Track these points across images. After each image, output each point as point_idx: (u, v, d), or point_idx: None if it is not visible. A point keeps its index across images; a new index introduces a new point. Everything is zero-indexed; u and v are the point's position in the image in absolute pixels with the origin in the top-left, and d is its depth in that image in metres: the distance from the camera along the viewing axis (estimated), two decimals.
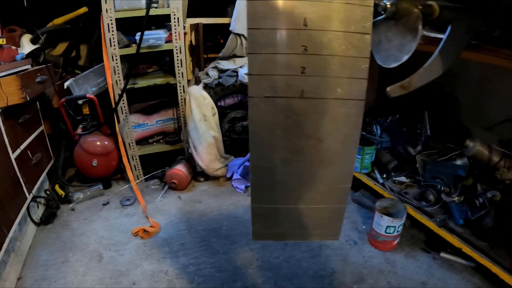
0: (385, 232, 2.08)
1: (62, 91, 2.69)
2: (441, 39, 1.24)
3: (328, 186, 0.97)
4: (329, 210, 1.02)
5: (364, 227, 2.34)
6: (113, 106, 2.60)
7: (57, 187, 2.70)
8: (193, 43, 2.89)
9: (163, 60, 2.90)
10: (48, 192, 2.55)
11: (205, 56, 3.07)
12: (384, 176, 2.43)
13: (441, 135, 2.38)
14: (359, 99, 0.87)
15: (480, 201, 1.96)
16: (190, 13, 2.93)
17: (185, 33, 2.65)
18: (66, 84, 2.63)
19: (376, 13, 1.06)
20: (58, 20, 2.87)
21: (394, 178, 2.38)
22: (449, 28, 1.19)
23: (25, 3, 2.59)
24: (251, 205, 1.04)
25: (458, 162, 2.22)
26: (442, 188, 2.11)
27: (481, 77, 2.46)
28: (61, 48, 3.24)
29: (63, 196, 2.68)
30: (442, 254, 2.08)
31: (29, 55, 2.50)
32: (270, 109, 0.88)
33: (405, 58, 0.83)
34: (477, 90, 2.51)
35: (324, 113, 0.88)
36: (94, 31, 3.16)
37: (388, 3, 0.84)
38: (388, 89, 0.99)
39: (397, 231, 2.09)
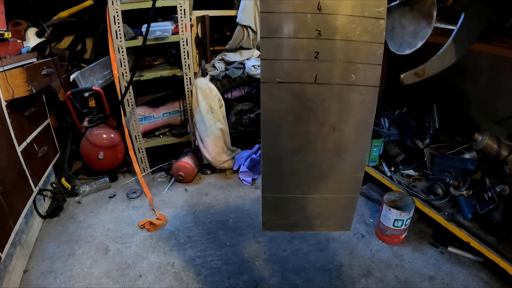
0: (393, 225, 2.06)
1: (68, 84, 2.69)
2: (452, 30, 1.22)
3: (341, 175, 0.95)
4: (341, 200, 1.00)
5: (371, 220, 2.32)
6: (120, 98, 2.58)
7: (63, 180, 2.70)
8: (200, 35, 2.86)
9: (169, 53, 2.88)
10: (54, 185, 2.55)
11: (211, 48, 3.05)
12: (392, 169, 2.40)
13: (450, 128, 2.35)
14: (374, 85, 0.85)
15: (489, 195, 1.94)
16: (196, 5, 2.91)
17: (191, 25, 2.63)
18: (72, 77, 2.62)
19: None
20: (64, 13, 2.85)
21: (402, 171, 2.36)
22: (462, 16, 1.17)
23: None
24: (262, 195, 1.02)
25: (467, 155, 2.20)
26: (451, 182, 2.08)
27: (490, 70, 2.43)
28: (67, 41, 3.24)
29: (69, 189, 2.68)
30: (450, 249, 2.07)
31: (34, 48, 2.50)
32: (283, 94, 0.86)
33: (420, 44, 0.81)
34: (486, 83, 2.48)
35: (338, 99, 0.86)
36: (100, 24, 3.15)
37: None
38: (402, 76, 0.97)
39: (405, 225, 2.08)
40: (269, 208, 1.04)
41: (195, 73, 2.83)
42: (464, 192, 2.02)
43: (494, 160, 2.04)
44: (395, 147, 2.46)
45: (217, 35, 3.15)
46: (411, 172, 2.34)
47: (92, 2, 2.83)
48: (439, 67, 1.08)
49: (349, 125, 0.90)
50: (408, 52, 0.84)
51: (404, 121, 2.48)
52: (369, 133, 0.90)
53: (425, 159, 2.28)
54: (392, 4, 0.87)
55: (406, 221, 2.06)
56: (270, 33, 0.81)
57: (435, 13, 0.83)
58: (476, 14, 1.17)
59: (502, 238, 1.86)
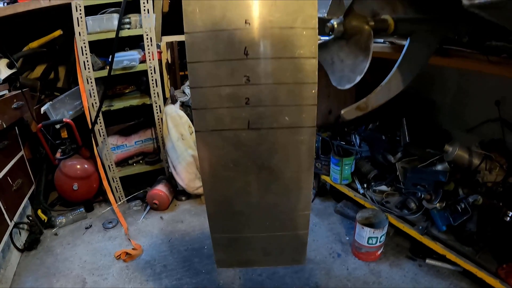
0: (367, 243, 2.06)
1: (40, 115, 2.66)
2: None
3: (287, 214, 0.94)
4: (291, 237, 0.99)
5: (347, 238, 2.31)
6: (90, 127, 2.56)
7: (39, 212, 2.67)
8: (169, 61, 2.86)
9: (140, 80, 2.87)
10: (30, 218, 2.52)
11: (181, 73, 3.05)
12: (365, 186, 2.40)
13: (421, 141, 2.36)
14: (310, 126, 0.84)
15: (462, 206, 1.92)
16: (165, 31, 2.91)
17: (160, 52, 2.63)
18: (43, 109, 2.61)
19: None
20: (34, 44, 2.84)
21: (374, 188, 2.35)
22: (407, 42, 1.15)
23: None
24: (211, 235, 1.01)
25: (439, 167, 2.20)
26: (423, 196, 2.08)
27: (458, 79, 2.46)
28: (39, 70, 3.22)
29: (45, 221, 2.64)
30: (428, 261, 2.06)
31: (6, 80, 2.48)
32: (218, 142, 0.85)
33: (358, 79, 0.80)
34: (455, 92, 2.51)
35: (273, 142, 0.85)
36: (71, 53, 3.13)
37: (335, 22, 0.81)
38: (342, 112, 0.96)
39: (380, 241, 2.07)
40: (220, 247, 1.03)
41: (167, 98, 2.83)
42: (437, 205, 2.02)
43: (467, 170, 2.04)
44: (367, 164, 2.46)
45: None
46: (383, 187, 2.34)
47: (62, 32, 2.82)
48: (385, 97, 1.06)
49: (289, 166, 0.89)
50: (348, 87, 0.84)
51: (375, 137, 2.49)
52: (311, 172, 0.89)
53: (398, 173, 2.28)
54: (328, 38, 0.86)
55: (380, 238, 2.05)
56: (198, 83, 0.80)
57: (372, 46, 0.82)
58: (423, 38, 1.16)
59: (478, 248, 1.85)
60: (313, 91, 0.83)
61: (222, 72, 0.80)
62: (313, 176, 0.90)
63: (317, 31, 0.79)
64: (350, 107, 0.98)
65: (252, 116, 0.82)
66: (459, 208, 1.93)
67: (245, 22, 0.77)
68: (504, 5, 0.67)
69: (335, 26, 0.76)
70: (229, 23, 0.77)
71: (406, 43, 1.18)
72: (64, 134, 2.73)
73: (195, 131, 0.84)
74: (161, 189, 2.76)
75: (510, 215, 1.76)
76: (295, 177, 0.90)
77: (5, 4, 2.69)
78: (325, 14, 1.20)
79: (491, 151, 1.98)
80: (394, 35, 1.03)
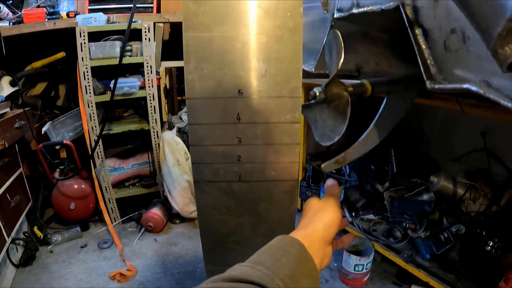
0: (354, 270, 2.18)
1: (40, 134, 2.79)
2: None
3: None
4: None
5: (335, 264, 2.44)
6: (89, 152, 2.69)
7: (35, 228, 2.77)
8: (167, 86, 3.01)
9: (138, 104, 3.02)
10: (27, 234, 2.62)
11: (179, 98, 3.19)
12: (353, 214, 2.54)
13: (408, 170, 2.50)
14: (293, 179, 1.00)
15: (445, 236, 2.04)
16: (164, 56, 3.06)
17: (159, 78, 2.78)
18: (43, 129, 2.73)
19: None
20: (37, 64, 2.98)
21: (362, 216, 2.49)
22: (385, 100, 1.30)
23: (3, 50, 2.70)
24: (205, 266, 1.14)
25: (425, 196, 2.33)
26: (407, 226, 2.22)
27: (446, 110, 2.58)
28: (40, 87, 3.34)
29: (41, 238, 2.74)
30: (413, 287, 2.17)
31: (8, 97, 2.60)
32: (213, 191, 1.00)
33: (337, 138, 0.92)
34: (444, 122, 2.62)
35: (261, 192, 1.01)
36: (72, 72, 3.27)
37: (317, 91, 0.92)
38: (322, 166, 1.10)
39: (366, 268, 2.20)
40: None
41: (164, 122, 2.97)
42: (421, 234, 2.15)
43: (451, 200, 2.14)
44: (355, 193, 2.61)
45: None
46: (371, 216, 2.48)
47: (65, 55, 2.96)
48: (361, 152, 1.20)
49: (275, 212, 1.04)
50: (328, 144, 0.97)
51: (363, 167, 2.63)
52: (293, 217, 1.04)
53: (385, 202, 2.42)
54: (312, 101, 0.99)
55: (366, 265, 2.18)
56: (197, 142, 0.96)
57: (349, 111, 0.90)
58: (400, 96, 1.30)
59: (460, 275, 1.97)
60: (297, 150, 0.98)
61: (218, 133, 0.95)
62: (295, 217, 1.04)
63: (301, 99, 0.94)
64: (330, 161, 1.12)
65: (243, 171, 0.98)
66: (442, 238, 2.05)
67: (238, 92, 0.92)
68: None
69: (317, 94, 0.89)
70: (224, 92, 0.92)
71: (383, 101, 1.33)
72: (63, 154, 2.85)
73: (194, 182, 0.99)
74: (156, 212, 2.88)
75: (490, 244, 1.86)
76: (280, 220, 1.05)
77: (11, 24, 2.85)
78: (313, 68, 1.36)
79: (476, 181, 2.08)
80: (372, 95, 1.14)
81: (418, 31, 0.83)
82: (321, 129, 1.00)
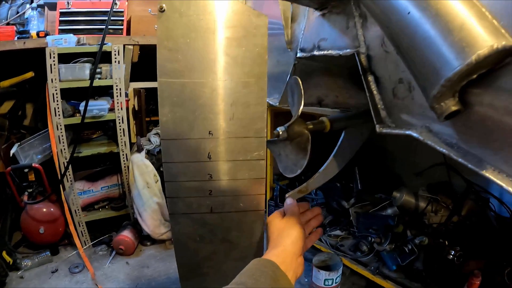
0: (324, 284, 2.31)
1: (8, 155, 2.80)
2: None
3: None
4: None
5: (306, 280, 2.57)
6: (59, 176, 2.72)
7: (4, 253, 2.75)
8: (136, 108, 3.07)
9: (107, 125, 3.07)
10: None
11: (147, 119, 3.26)
12: None
13: (373, 187, 2.67)
14: (260, 209, 1.12)
15: (409, 247, 2.20)
16: (133, 77, 3.12)
17: (127, 100, 2.86)
18: (12, 151, 2.75)
19: None
20: (5, 83, 2.98)
21: (329, 233, 2.64)
22: (343, 134, 1.43)
23: None
24: None
25: (389, 211, 2.50)
26: (373, 240, 2.38)
27: None
28: (7, 106, 3.30)
29: (11, 263, 2.73)
30: None
31: None
32: (187, 222, 1.11)
33: (299, 171, 0.98)
34: (406, 139, 2.83)
35: (231, 222, 1.12)
36: (40, 91, 3.28)
37: (280, 130, 0.99)
38: (286, 195, 1.23)
39: (336, 282, 2.33)
40: None
41: (133, 143, 3.03)
42: (387, 247, 2.31)
43: (414, 213, 2.30)
44: (322, 210, 2.75)
45: (153, 105, 3.36)
46: (338, 232, 2.64)
47: (33, 75, 2.98)
48: (322, 181, 1.33)
49: (245, 239, 1.16)
50: (291, 176, 1.07)
51: (329, 185, 2.78)
52: (262, 241, 1.16)
53: (351, 218, 2.58)
54: (275, 138, 1.04)
55: (336, 279, 2.32)
56: (172, 178, 1.06)
57: (309, 148, 0.97)
58: (357, 130, 1.43)
59: (426, 284, 2.13)
60: (262, 184, 1.11)
61: (190, 171, 1.06)
62: (263, 242, 1.15)
63: (266, 139, 1.07)
64: (293, 191, 1.26)
65: (214, 203, 1.09)
66: (407, 249, 2.21)
67: (209, 133, 1.04)
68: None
69: (280, 133, 0.99)
70: (196, 134, 1.04)
71: (341, 135, 1.46)
72: (32, 177, 2.86)
73: (169, 214, 1.10)
74: (127, 234, 2.93)
75: (452, 253, 2.01)
76: (250, 246, 1.16)
77: None
78: (277, 102, 1.48)
79: (438, 193, 2.26)
80: (331, 131, 1.23)
81: (370, 78, 0.94)
82: (285, 163, 1.10)
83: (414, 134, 0.77)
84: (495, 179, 0.59)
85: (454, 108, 0.59)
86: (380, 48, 0.89)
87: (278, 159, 1.15)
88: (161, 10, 1.01)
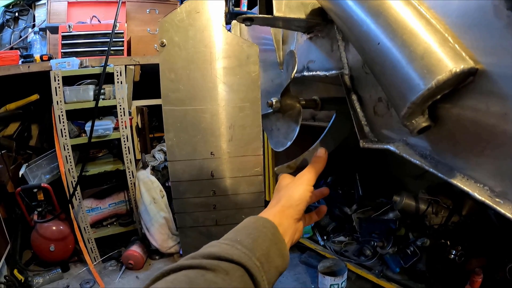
0: None
1: (16, 175, 2.96)
2: None
3: None
4: None
5: (313, 286, 2.69)
6: (68, 195, 2.87)
7: (16, 272, 2.88)
8: (139, 125, 3.22)
9: (112, 143, 3.24)
10: (7, 278, 2.73)
11: (151, 135, 3.41)
12: (325, 237, 2.81)
13: (374, 192, 2.79)
14: None
15: (412, 249, 2.31)
16: (135, 95, 3.28)
17: (131, 118, 3.01)
18: (20, 172, 2.91)
19: None
20: (11, 106, 3.15)
21: (333, 239, 2.77)
22: (333, 117, 1.53)
23: None
24: None
25: (391, 215, 2.62)
26: (375, 244, 2.50)
27: None
28: (13, 127, 3.44)
29: (22, 281, 2.84)
30: None
31: None
32: (194, 234, 1.26)
33: (289, 144, 1.06)
34: None
35: None
36: (45, 112, 3.44)
37: (274, 100, 1.05)
38: (275, 169, 1.31)
39: (341, 287, 2.46)
40: None
41: (138, 160, 3.19)
42: (389, 250, 2.42)
43: (415, 215, 2.39)
44: (325, 217, 2.89)
45: (156, 122, 3.52)
46: (342, 238, 2.77)
47: (38, 97, 3.14)
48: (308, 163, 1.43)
49: None
50: (281, 149, 1.10)
51: (331, 193, 2.89)
52: None
53: (354, 224, 2.71)
54: (269, 111, 1.13)
55: (341, 284, 2.45)
56: (179, 195, 1.22)
57: (300, 119, 1.03)
58: (347, 114, 1.54)
59: (429, 284, 2.24)
60: (261, 197, 1.25)
61: (195, 188, 1.22)
62: None
63: (262, 157, 1.22)
64: (282, 166, 1.32)
65: (218, 216, 1.24)
66: (409, 251, 2.32)
67: (211, 154, 1.20)
68: None
69: (274, 102, 1.03)
70: (199, 155, 1.20)
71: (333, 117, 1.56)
72: (41, 197, 3.01)
73: (178, 228, 1.24)
74: (135, 249, 3.06)
75: (453, 253, 2.09)
76: None
77: None
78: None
79: (438, 195, 2.32)
80: (322, 110, 1.32)
81: (354, 97, 1.04)
82: (276, 138, 1.16)
83: (392, 148, 0.87)
84: (462, 186, 0.68)
85: (424, 124, 0.66)
86: (362, 69, 0.99)
87: (269, 136, 1.21)
88: (162, 45, 1.17)
